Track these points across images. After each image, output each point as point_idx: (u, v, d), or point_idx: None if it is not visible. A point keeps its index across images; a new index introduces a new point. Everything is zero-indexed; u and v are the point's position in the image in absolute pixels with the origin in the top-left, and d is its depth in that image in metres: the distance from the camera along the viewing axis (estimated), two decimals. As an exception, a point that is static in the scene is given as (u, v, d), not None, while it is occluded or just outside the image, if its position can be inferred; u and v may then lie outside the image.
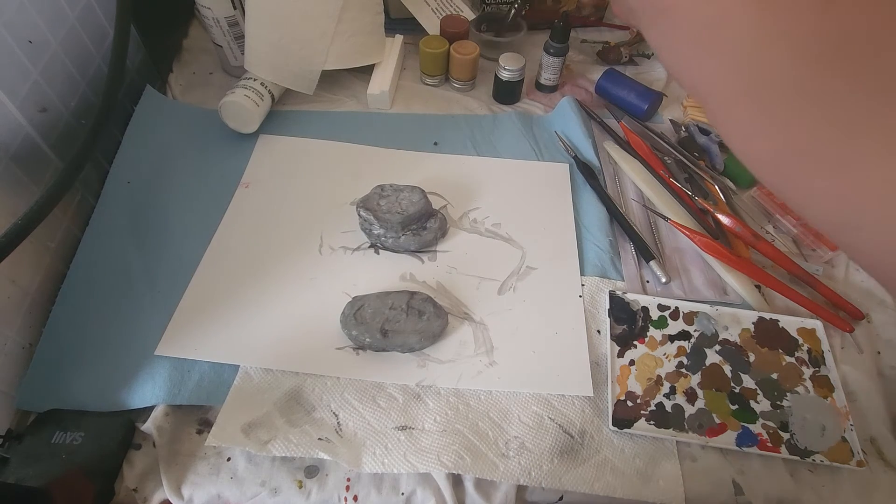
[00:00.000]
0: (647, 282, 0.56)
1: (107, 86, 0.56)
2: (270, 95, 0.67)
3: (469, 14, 0.78)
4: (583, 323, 0.52)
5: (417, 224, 0.56)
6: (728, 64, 0.22)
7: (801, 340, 0.51)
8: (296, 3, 0.62)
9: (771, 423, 0.46)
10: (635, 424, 0.46)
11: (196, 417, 0.46)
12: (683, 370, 0.49)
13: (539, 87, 0.76)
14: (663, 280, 0.55)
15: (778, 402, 0.47)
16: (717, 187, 0.63)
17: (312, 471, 0.44)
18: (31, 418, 0.45)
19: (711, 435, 0.46)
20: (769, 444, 0.45)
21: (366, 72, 0.72)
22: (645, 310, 0.53)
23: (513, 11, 0.74)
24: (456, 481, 0.43)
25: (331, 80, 0.73)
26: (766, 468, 0.45)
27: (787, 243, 0.60)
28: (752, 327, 0.52)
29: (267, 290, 0.53)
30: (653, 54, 0.82)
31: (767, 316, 0.53)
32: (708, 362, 0.50)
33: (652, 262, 0.56)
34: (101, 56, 0.62)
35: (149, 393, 0.45)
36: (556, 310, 0.53)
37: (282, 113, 0.70)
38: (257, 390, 0.47)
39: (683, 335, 0.52)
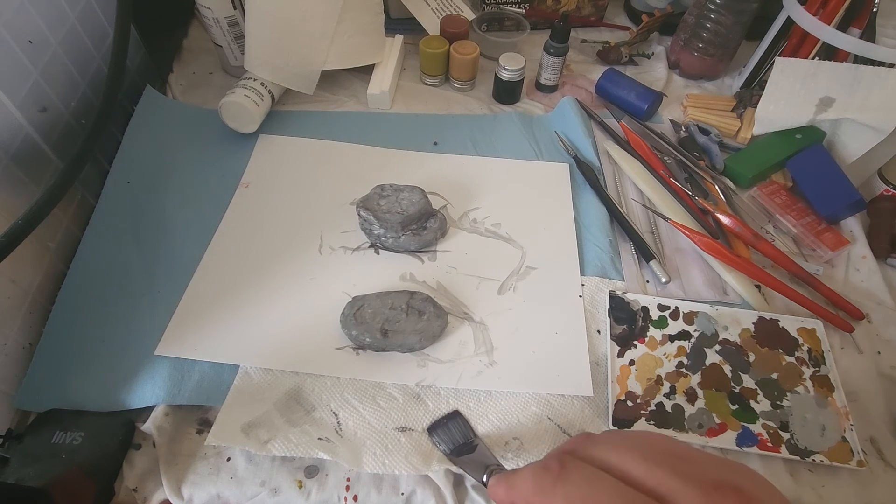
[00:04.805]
0: (647, 282, 0.56)
1: (107, 86, 0.56)
2: (270, 95, 0.67)
3: (469, 14, 0.78)
4: (583, 323, 0.52)
5: (417, 224, 0.56)
6: None
7: (801, 340, 0.51)
8: (296, 3, 0.62)
9: (771, 423, 0.46)
10: (635, 424, 0.46)
11: (196, 417, 0.46)
12: (683, 370, 0.49)
13: (539, 87, 0.76)
14: (663, 280, 0.55)
15: (778, 402, 0.47)
16: (717, 187, 0.63)
17: (312, 471, 0.44)
18: (31, 418, 0.45)
19: (711, 435, 0.46)
20: (769, 444, 0.45)
21: (366, 72, 0.72)
22: (645, 310, 0.53)
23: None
24: (456, 482, 0.43)
25: (331, 80, 0.73)
26: (766, 468, 0.45)
27: (787, 243, 0.60)
28: (752, 327, 0.52)
29: (267, 290, 0.53)
30: (653, 54, 0.82)
31: (767, 316, 0.53)
32: (708, 362, 0.50)
33: (652, 262, 0.56)
34: (101, 56, 0.62)
35: (149, 393, 0.45)
36: (556, 310, 0.53)
37: (282, 113, 0.70)
38: (257, 390, 0.47)
39: (683, 335, 0.51)
